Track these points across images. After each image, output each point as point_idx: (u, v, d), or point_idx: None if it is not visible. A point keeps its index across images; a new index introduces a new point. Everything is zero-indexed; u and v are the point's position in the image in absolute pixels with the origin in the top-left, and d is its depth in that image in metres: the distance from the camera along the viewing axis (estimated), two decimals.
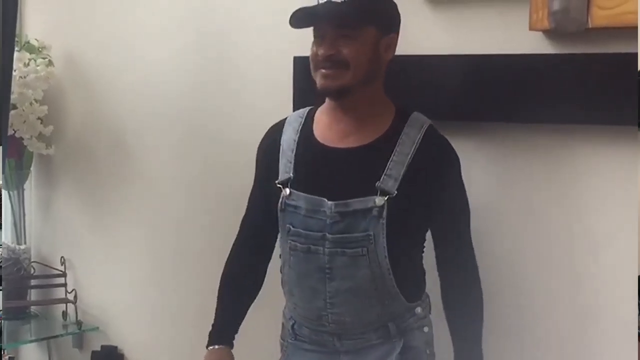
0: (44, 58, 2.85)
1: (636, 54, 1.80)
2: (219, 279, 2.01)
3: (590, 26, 1.86)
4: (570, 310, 2.00)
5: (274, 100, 2.31)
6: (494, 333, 1.92)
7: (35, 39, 2.88)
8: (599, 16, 1.84)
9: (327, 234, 1.76)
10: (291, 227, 1.82)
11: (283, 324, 2.01)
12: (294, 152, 1.83)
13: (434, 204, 1.81)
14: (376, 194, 1.73)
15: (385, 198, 1.72)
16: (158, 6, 2.62)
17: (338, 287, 1.79)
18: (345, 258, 1.75)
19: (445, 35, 2.11)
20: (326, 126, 1.86)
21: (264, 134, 1.97)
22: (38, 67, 2.79)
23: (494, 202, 2.04)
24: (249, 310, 2.01)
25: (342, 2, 1.69)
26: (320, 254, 1.77)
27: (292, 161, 1.83)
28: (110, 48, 2.77)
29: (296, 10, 1.72)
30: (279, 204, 1.83)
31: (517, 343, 2.04)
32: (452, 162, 1.84)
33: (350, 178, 1.77)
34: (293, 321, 1.94)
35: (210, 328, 1.98)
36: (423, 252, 1.92)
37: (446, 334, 1.90)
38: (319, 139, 1.85)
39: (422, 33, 2.10)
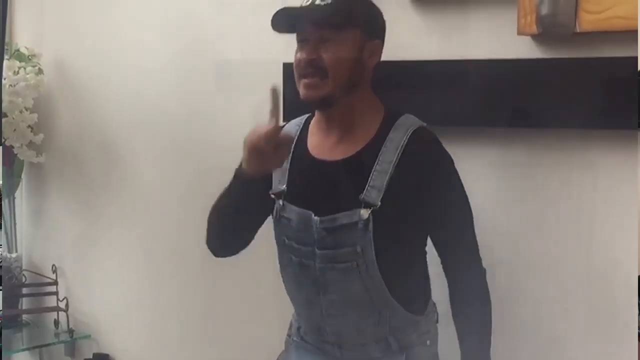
0: (33, 66, 2.84)
1: (625, 57, 1.81)
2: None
3: (578, 30, 1.86)
4: (570, 310, 2.01)
5: (264, 108, 2.31)
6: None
7: (25, 47, 2.88)
8: (587, 20, 1.84)
9: (316, 249, 1.74)
10: (286, 239, 1.81)
11: (292, 322, 2.00)
12: (288, 163, 1.81)
13: (428, 209, 1.74)
14: (361, 207, 1.69)
15: (370, 210, 1.68)
16: (146, 15, 2.62)
17: (332, 300, 1.77)
18: (336, 272, 1.73)
19: (434, 40, 2.11)
20: (316, 137, 1.83)
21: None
22: (28, 76, 2.78)
23: (487, 208, 2.04)
24: (250, 310, 1.97)
25: (325, 4, 1.65)
26: (312, 268, 1.76)
27: (286, 173, 1.82)
28: (99, 56, 2.76)
29: (277, 12, 1.67)
30: (274, 214, 1.82)
31: (518, 344, 2.05)
32: (441, 164, 1.76)
33: (336, 191, 1.74)
34: (299, 325, 1.94)
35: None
36: (425, 259, 1.87)
37: (452, 337, 1.89)
38: (310, 150, 1.81)
39: (411, 38, 2.10)
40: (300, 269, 1.79)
